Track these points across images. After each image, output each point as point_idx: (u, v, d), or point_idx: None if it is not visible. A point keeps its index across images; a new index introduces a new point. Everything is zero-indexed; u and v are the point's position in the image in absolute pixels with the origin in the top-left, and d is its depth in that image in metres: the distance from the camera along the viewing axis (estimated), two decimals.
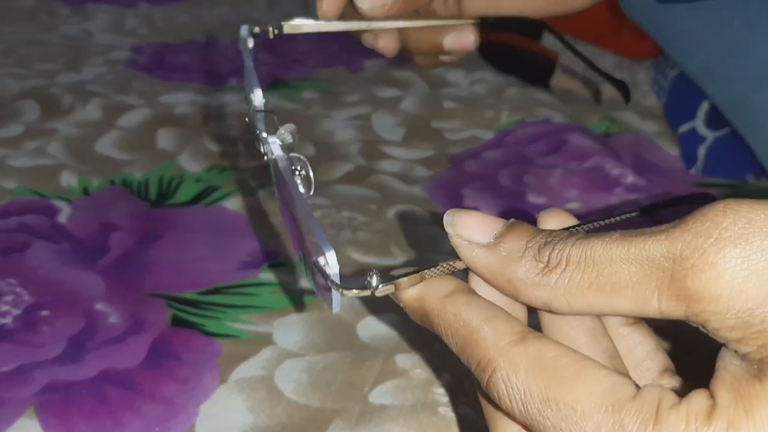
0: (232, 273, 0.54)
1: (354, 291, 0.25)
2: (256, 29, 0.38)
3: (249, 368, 0.45)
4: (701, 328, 0.21)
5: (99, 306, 0.50)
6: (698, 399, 0.19)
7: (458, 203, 0.65)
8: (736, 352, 0.20)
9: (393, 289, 0.25)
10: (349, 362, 0.46)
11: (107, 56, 0.99)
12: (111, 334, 0.47)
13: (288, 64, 0.99)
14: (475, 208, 0.63)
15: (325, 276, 0.25)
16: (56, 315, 0.49)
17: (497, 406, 0.24)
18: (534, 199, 0.65)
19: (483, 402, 0.27)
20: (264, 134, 0.29)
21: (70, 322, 0.48)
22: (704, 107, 0.70)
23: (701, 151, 0.70)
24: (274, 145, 0.29)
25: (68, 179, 0.67)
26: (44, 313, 0.49)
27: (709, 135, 0.69)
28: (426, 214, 0.63)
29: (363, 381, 0.44)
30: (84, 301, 0.50)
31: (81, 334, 0.47)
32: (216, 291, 0.52)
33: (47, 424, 0.41)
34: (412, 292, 0.25)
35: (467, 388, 0.44)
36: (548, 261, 0.22)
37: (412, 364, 0.46)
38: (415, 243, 0.59)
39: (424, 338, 0.48)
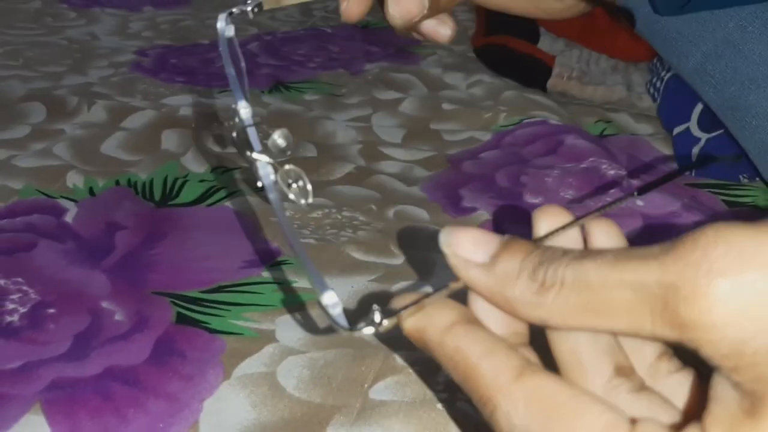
0: (235, 272, 0.55)
1: (361, 329, 0.25)
2: (234, 10, 0.36)
3: (252, 365, 0.46)
4: (691, 349, 0.21)
5: (104, 304, 0.51)
6: (691, 428, 0.20)
7: (457, 203, 0.66)
8: (729, 379, 0.20)
9: (396, 322, 0.25)
10: (350, 359, 0.46)
11: (112, 59, 1.00)
12: (116, 332, 0.48)
13: (289, 66, 0.99)
14: (473, 208, 0.64)
15: (330, 318, 0.25)
16: (62, 313, 0.50)
17: None
18: (531, 199, 0.66)
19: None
20: (253, 154, 0.28)
21: (75, 320, 0.49)
22: (698, 109, 0.71)
23: (695, 152, 0.71)
24: (263, 168, 0.29)
25: (74, 179, 0.67)
26: (50, 311, 0.50)
27: (703, 136, 0.70)
28: (425, 214, 0.64)
29: (363, 377, 0.45)
30: (89, 300, 0.51)
31: (86, 331, 0.48)
32: (219, 289, 0.53)
33: (53, 421, 0.41)
34: (413, 324, 0.26)
35: None
36: (543, 281, 0.22)
37: (411, 360, 0.46)
38: (415, 243, 0.59)
39: None
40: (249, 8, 0.37)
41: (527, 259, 0.23)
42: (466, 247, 0.24)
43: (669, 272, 0.20)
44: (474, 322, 0.25)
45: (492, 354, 0.23)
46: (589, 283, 0.21)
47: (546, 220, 0.25)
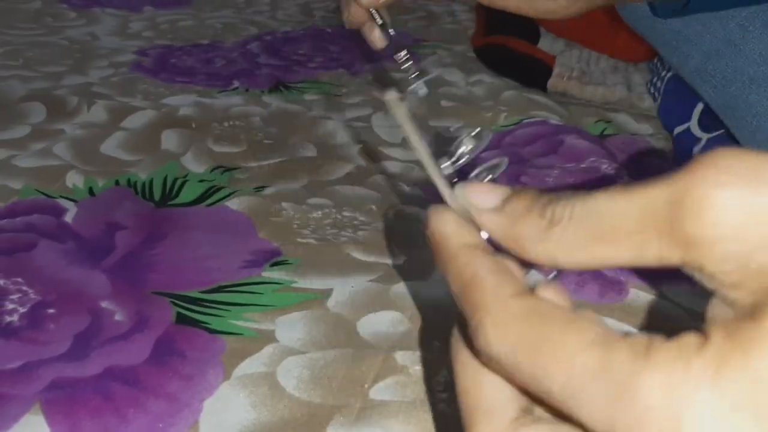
0: (235, 272, 0.55)
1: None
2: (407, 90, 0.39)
3: (252, 365, 0.46)
4: (696, 276, 0.21)
5: (104, 304, 0.51)
6: (689, 336, 0.19)
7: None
8: (725, 300, 0.20)
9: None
10: (350, 359, 0.46)
11: (112, 59, 1.00)
12: (116, 332, 0.48)
13: (290, 66, 0.99)
14: None
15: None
16: (62, 313, 0.50)
17: (476, 358, 0.24)
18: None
19: (456, 354, 0.26)
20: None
21: (75, 320, 0.49)
22: (699, 109, 0.71)
23: (696, 152, 0.71)
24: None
25: (74, 179, 0.67)
26: (50, 311, 0.50)
27: (704, 136, 0.70)
28: (426, 214, 0.64)
29: (363, 377, 0.45)
30: (89, 300, 0.51)
31: (86, 331, 0.48)
32: (219, 289, 0.53)
33: (53, 421, 0.41)
34: (442, 227, 0.26)
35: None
36: (552, 217, 0.22)
37: (411, 361, 0.46)
38: (415, 243, 0.59)
39: (423, 336, 0.49)
40: (419, 91, 0.39)
41: (537, 200, 0.23)
42: (480, 194, 0.25)
43: (676, 189, 0.20)
44: (496, 257, 0.25)
45: (501, 273, 0.23)
46: (597, 211, 0.21)
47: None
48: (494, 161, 0.29)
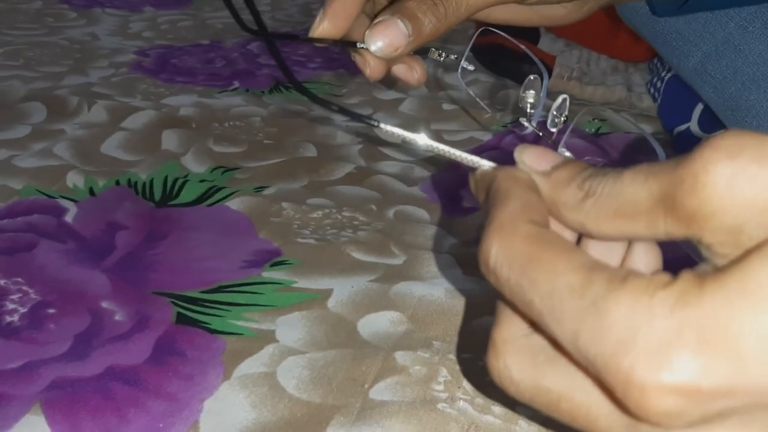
0: (235, 272, 0.55)
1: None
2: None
3: (252, 365, 0.46)
4: (699, 248, 0.23)
5: (105, 304, 0.51)
6: (662, 275, 0.22)
7: (457, 203, 0.66)
8: (716, 267, 0.22)
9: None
10: (350, 359, 0.46)
11: (113, 59, 1.00)
12: (116, 332, 0.48)
13: (290, 66, 0.99)
14: (473, 209, 0.64)
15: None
16: (62, 313, 0.50)
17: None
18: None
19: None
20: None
21: (76, 320, 0.49)
22: (699, 109, 0.71)
23: None
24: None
25: (74, 179, 0.68)
26: (51, 311, 0.50)
27: (704, 136, 0.70)
28: (425, 214, 0.64)
29: (363, 377, 0.45)
30: (90, 300, 0.51)
31: (87, 331, 0.48)
32: (219, 289, 0.53)
33: (53, 421, 0.41)
34: (498, 171, 0.28)
35: (466, 385, 0.44)
36: (588, 189, 0.25)
37: (411, 361, 0.46)
38: (415, 243, 0.60)
39: (423, 336, 0.49)
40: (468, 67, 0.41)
41: (580, 173, 0.26)
42: (535, 157, 0.27)
43: (678, 170, 0.22)
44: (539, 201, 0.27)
45: (528, 203, 0.26)
46: (621, 190, 0.24)
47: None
48: (557, 101, 0.31)
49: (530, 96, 0.33)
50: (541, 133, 0.31)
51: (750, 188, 0.21)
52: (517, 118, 0.33)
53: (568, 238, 0.27)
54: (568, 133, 0.33)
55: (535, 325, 0.25)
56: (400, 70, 0.43)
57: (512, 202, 0.26)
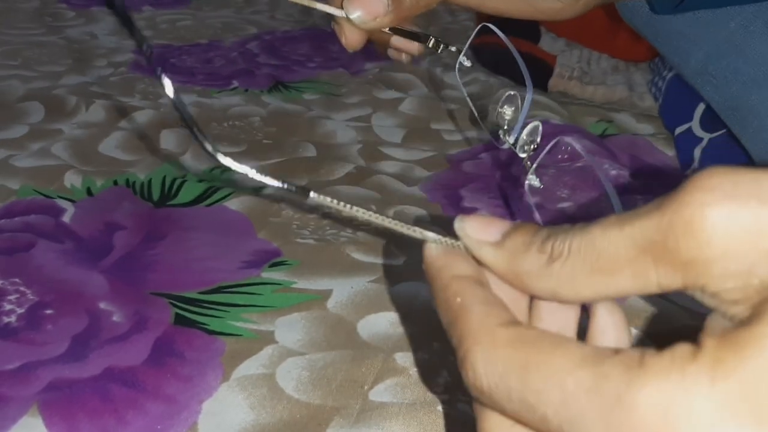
0: (234, 272, 0.55)
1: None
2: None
3: (251, 366, 0.46)
4: (699, 297, 0.21)
5: (102, 305, 0.51)
6: (682, 346, 0.19)
7: (457, 203, 0.65)
8: (726, 316, 0.20)
9: (433, 244, 0.27)
10: (350, 360, 0.46)
11: (111, 58, 1.00)
12: (114, 333, 0.48)
13: (289, 66, 0.99)
14: (473, 209, 0.64)
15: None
16: (60, 314, 0.50)
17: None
18: (531, 199, 0.65)
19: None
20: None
21: (74, 320, 0.49)
22: (700, 109, 0.70)
23: (697, 153, 0.70)
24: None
25: (72, 179, 0.67)
26: (48, 311, 0.50)
27: (705, 136, 0.70)
28: (425, 214, 0.64)
29: (363, 379, 0.45)
30: (88, 300, 0.51)
31: (85, 332, 0.48)
32: (218, 290, 0.53)
33: (51, 423, 0.41)
34: (435, 256, 0.26)
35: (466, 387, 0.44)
36: (551, 251, 0.22)
37: (411, 362, 0.46)
38: (415, 243, 0.59)
39: (423, 337, 0.49)
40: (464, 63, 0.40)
41: (536, 235, 0.23)
42: (479, 228, 0.25)
43: (666, 214, 0.20)
44: (487, 287, 0.25)
45: (489, 304, 0.23)
46: (594, 245, 0.21)
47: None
48: (530, 125, 0.29)
49: (508, 112, 0.31)
50: (518, 153, 0.29)
51: (754, 227, 0.19)
52: (497, 131, 0.30)
53: (521, 303, 0.25)
54: (538, 160, 0.30)
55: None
56: (397, 41, 0.42)
57: (474, 307, 0.23)
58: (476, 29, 0.42)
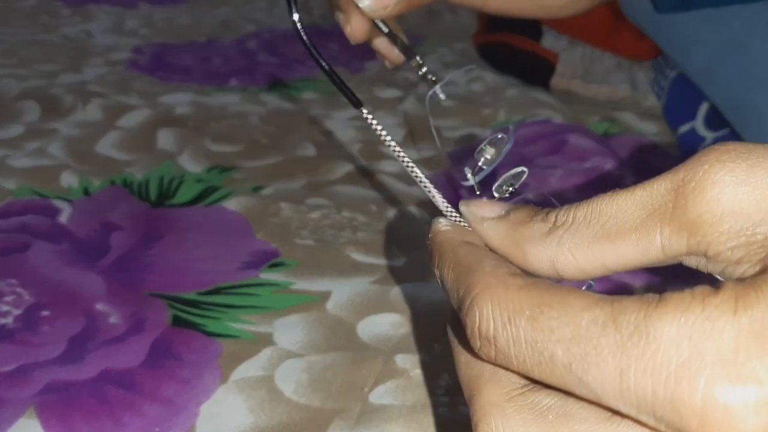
0: (232, 273, 0.54)
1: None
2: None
3: (249, 368, 0.45)
4: (703, 265, 0.21)
5: (99, 306, 0.50)
6: (701, 287, 0.18)
7: (457, 203, 0.65)
8: (732, 278, 0.20)
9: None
10: (350, 362, 0.46)
11: (108, 57, 0.99)
12: (112, 334, 0.48)
13: (288, 64, 0.99)
14: None
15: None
16: (57, 315, 0.49)
17: (464, 345, 0.23)
18: (533, 199, 0.65)
19: (455, 333, 0.25)
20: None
21: (70, 322, 0.49)
22: (704, 108, 0.70)
23: None
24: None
25: (69, 179, 0.67)
26: (45, 313, 0.49)
27: (709, 135, 0.70)
28: (426, 214, 0.64)
29: (363, 381, 0.44)
30: (84, 302, 0.51)
31: (82, 334, 0.48)
32: (216, 291, 0.52)
33: (48, 425, 0.41)
34: (444, 228, 0.26)
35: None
36: (555, 221, 0.22)
37: (412, 364, 0.46)
38: (415, 243, 0.59)
39: (424, 339, 0.48)
40: (440, 96, 0.40)
41: (539, 211, 0.23)
42: (482, 206, 0.25)
43: (678, 176, 0.20)
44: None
45: (500, 260, 0.23)
46: (600, 211, 0.21)
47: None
48: (515, 170, 0.29)
49: (489, 152, 0.31)
50: (478, 192, 0.29)
51: (762, 189, 0.19)
52: (473, 154, 0.30)
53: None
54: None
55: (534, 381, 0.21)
56: (381, 44, 0.42)
57: (485, 261, 0.22)
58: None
